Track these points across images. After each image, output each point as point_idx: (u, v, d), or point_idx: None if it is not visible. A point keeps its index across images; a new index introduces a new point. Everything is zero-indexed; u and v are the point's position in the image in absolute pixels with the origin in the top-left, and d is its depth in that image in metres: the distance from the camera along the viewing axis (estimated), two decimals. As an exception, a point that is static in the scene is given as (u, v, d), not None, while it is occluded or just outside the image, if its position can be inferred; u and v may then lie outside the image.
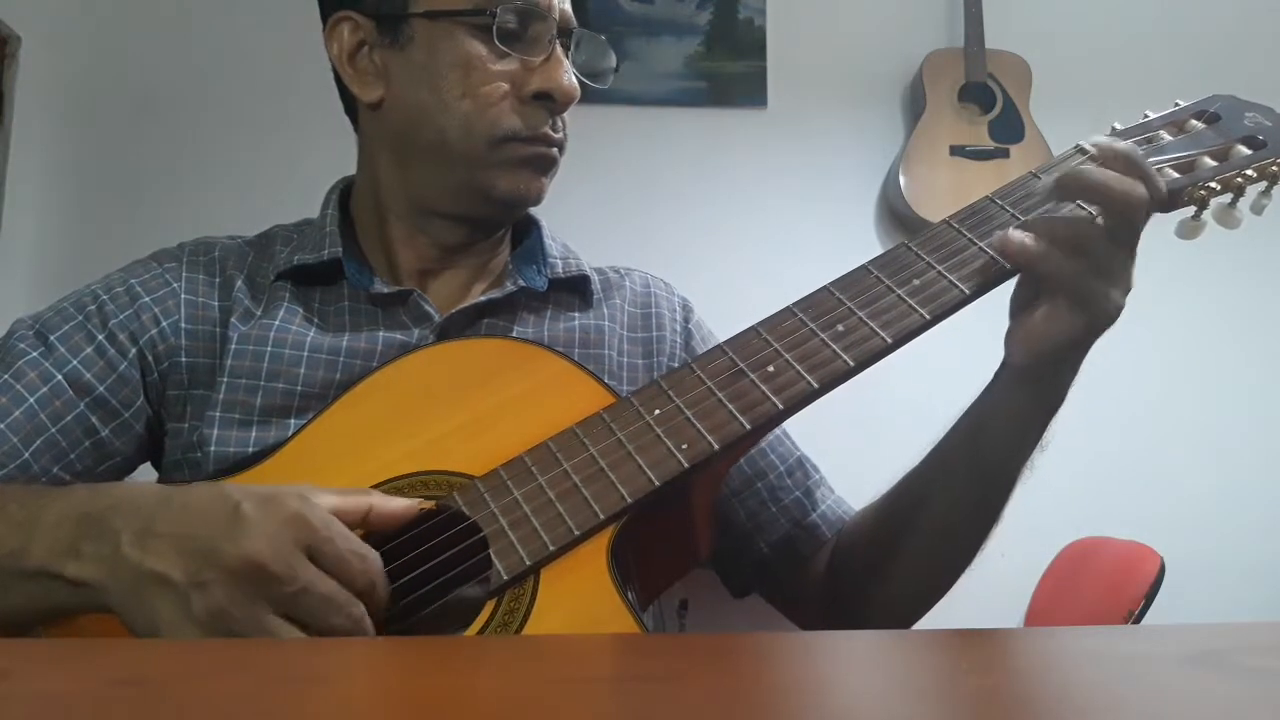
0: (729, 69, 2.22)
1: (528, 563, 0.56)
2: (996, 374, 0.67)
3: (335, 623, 0.50)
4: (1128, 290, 0.61)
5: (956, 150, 2.11)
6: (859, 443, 1.80)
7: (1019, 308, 0.64)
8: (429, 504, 0.59)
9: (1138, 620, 1.47)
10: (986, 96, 2.15)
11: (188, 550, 0.50)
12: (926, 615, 0.77)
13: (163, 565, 0.50)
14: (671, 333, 0.86)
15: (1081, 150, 0.68)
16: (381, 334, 0.76)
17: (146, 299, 0.76)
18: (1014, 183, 0.67)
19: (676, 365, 0.83)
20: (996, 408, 0.67)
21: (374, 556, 0.53)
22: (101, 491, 0.57)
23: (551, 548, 0.56)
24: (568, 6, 0.78)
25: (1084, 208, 0.62)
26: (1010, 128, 2.13)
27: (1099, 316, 0.60)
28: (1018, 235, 0.61)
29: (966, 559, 0.73)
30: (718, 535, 0.70)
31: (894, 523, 0.75)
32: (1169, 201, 0.67)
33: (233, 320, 0.76)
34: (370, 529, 0.56)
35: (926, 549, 0.73)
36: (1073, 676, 0.34)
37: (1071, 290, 0.59)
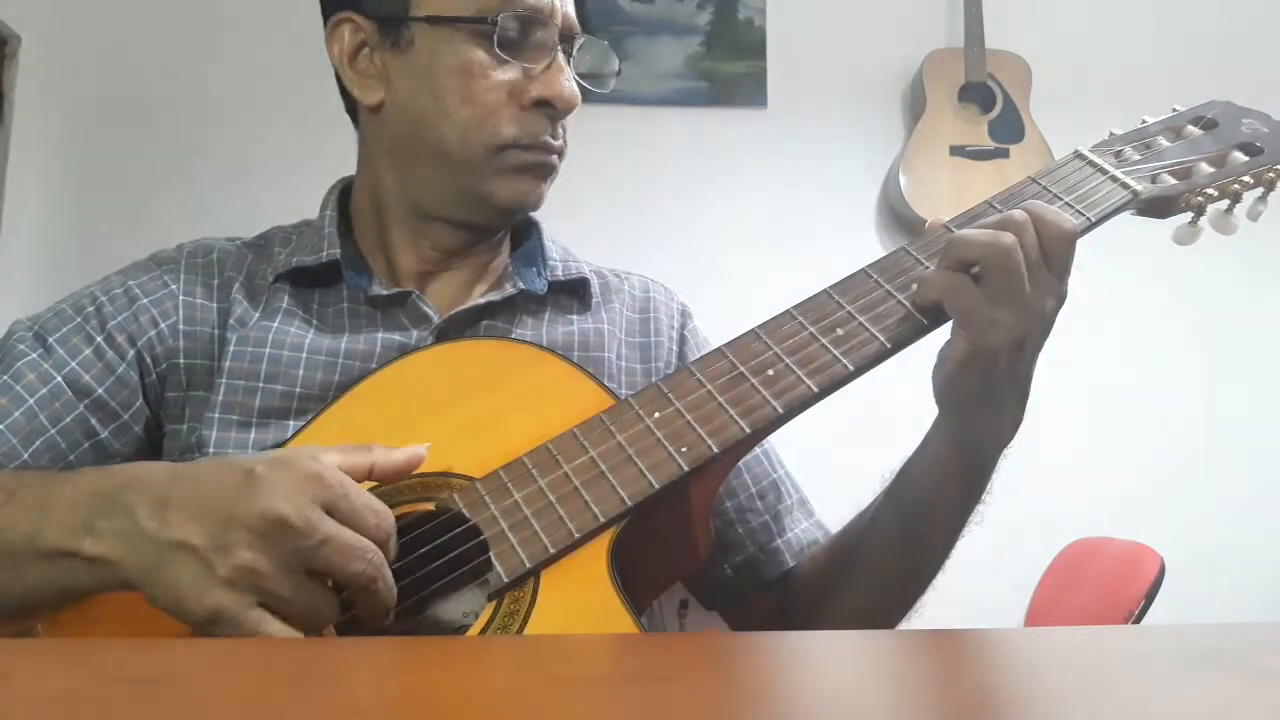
0: (729, 69, 2.22)
1: (528, 565, 0.56)
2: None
3: (357, 569, 0.51)
4: (1024, 316, 0.59)
5: (956, 150, 2.11)
6: (863, 442, 1.80)
7: None
8: (427, 452, 0.59)
9: (1138, 620, 1.47)
10: (986, 96, 2.15)
11: (207, 516, 0.50)
12: (927, 615, 0.77)
13: (183, 533, 0.50)
14: (668, 338, 0.86)
15: (1079, 156, 0.69)
16: (380, 335, 0.76)
17: (145, 301, 0.76)
18: (1013, 188, 0.67)
19: (672, 370, 0.83)
20: (921, 453, 0.68)
21: (387, 511, 0.53)
22: (112, 471, 0.57)
23: (552, 550, 0.56)
24: (570, 11, 0.78)
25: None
26: (1010, 128, 2.12)
27: (979, 342, 0.59)
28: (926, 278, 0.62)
29: (899, 607, 0.74)
30: (714, 537, 0.71)
31: (835, 560, 0.77)
32: (1166, 208, 0.68)
33: (231, 322, 0.76)
34: (377, 480, 0.57)
35: (860, 589, 0.74)
36: (1073, 676, 0.34)
37: (952, 306, 0.60)
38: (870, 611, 0.75)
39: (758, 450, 0.83)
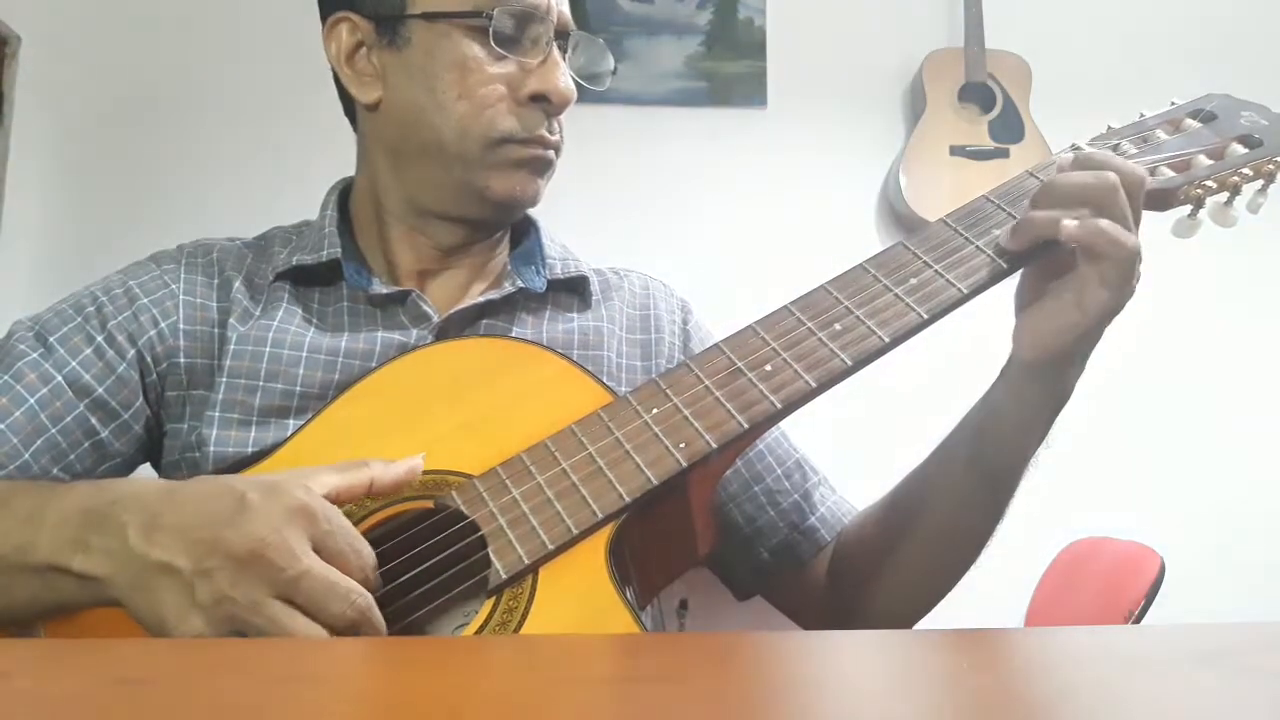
0: (729, 69, 2.22)
1: (526, 561, 0.56)
2: (1003, 372, 0.67)
3: (338, 610, 0.50)
4: (1138, 276, 0.60)
5: (956, 150, 2.11)
6: (861, 440, 1.80)
7: (1027, 303, 0.64)
8: (423, 462, 0.59)
9: (1138, 620, 1.47)
10: (986, 96, 2.15)
11: (193, 540, 0.50)
12: (927, 614, 0.77)
13: (168, 555, 0.50)
14: (670, 334, 0.86)
15: (1077, 149, 0.68)
16: (380, 334, 0.76)
17: (145, 300, 0.76)
18: (1009, 182, 0.67)
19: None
20: (1003, 406, 0.67)
21: (370, 552, 0.53)
22: (106, 486, 0.57)
23: (550, 546, 0.56)
24: (565, 9, 0.78)
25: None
26: (1010, 128, 2.12)
27: (1124, 289, 0.59)
28: (1042, 214, 0.60)
29: (968, 560, 0.73)
30: (716, 534, 0.70)
31: (895, 524, 0.75)
32: (1165, 201, 0.67)
33: (231, 321, 0.76)
34: (377, 496, 0.56)
35: (928, 550, 0.73)
36: (1073, 676, 0.34)
37: (1111, 253, 0.58)
38: (934, 568, 0.74)
39: (776, 432, 0.83)
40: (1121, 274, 0.58)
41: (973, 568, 0.74)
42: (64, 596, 0.54)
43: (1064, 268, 0.61)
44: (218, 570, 0.49)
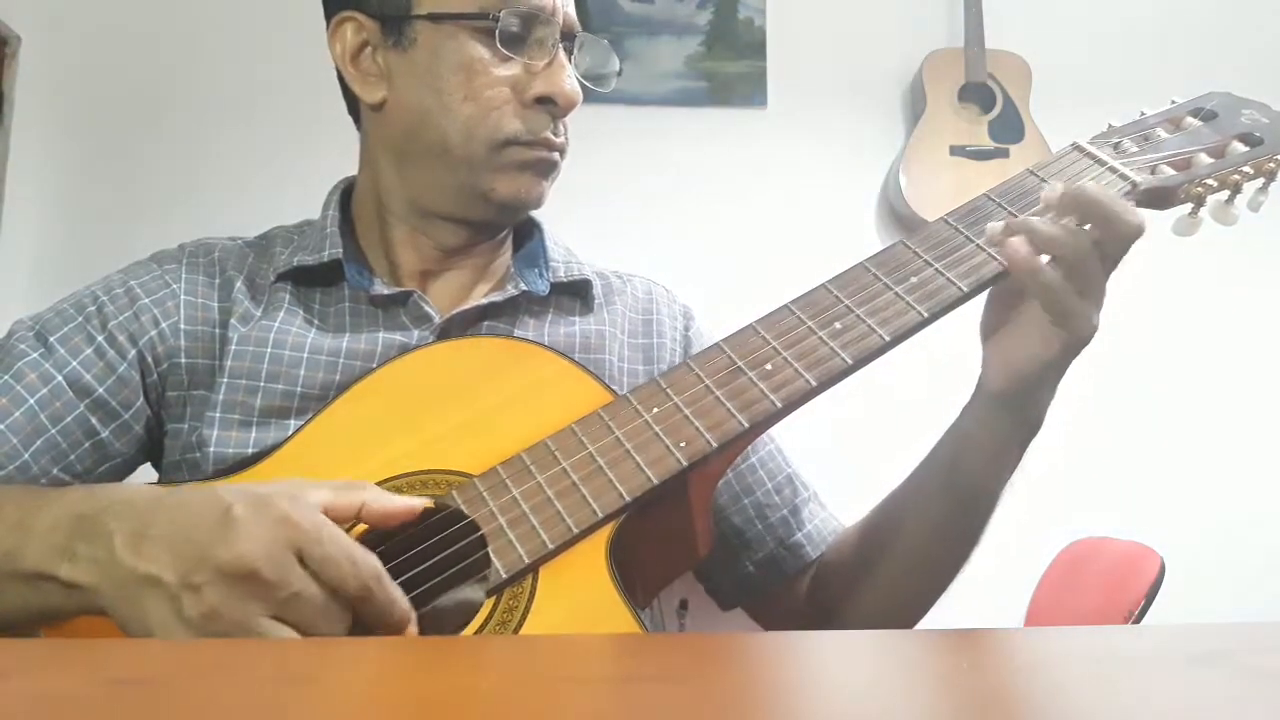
0: (729, 69, 2.22)
1: (526, 561, 0.56)
2: (972, 399, 0.67)
3: (327, 627, 0.50)
4: (1100, 310, 0.62)
5: (956, 150, 2.11)
6: (861, 439, 1.80)
7: (992, 330, 0.64)
8: (429, 503, 0.59)
9: (1138, 620, 1.47)
10: (986, 96, 2.15)
11: (180, 552, 0.49)
12: (927, 615, 0.77)
13: (155, 567, 0.49)
14: (672, 340, 0.86)
15: (1077, 148, 0.68)
16: (381, 335, 0.76)
17: (146, 300, 0.76)
18: (1010, 181, 0.67)
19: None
20: (974, 434, 0.67)
21: (366, 558, 0.51)
22: (97, 493, 0.57)
23: (550, 546, 0.56)
24: (571, 10, 0.78)
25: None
26: (1010, 128, 2.12)
27: (1076, 336, 0.61)
28: (1016, 240, 0.61)
29: (942, 584, 0.74)
30: (715, 534, 0.70)
31: (870, 547, 0.76)
32: (1165, 199, 0.67)
33: (232, 321, 0.76)
34: (364, 524, 0.56)
35: (902, 574, 0.74)
36: (1073, 676, 0.34)
37: (1059, 307, 0.60)
38: (909, 592, 0.74)
39: (770, 445, 0.83)
40: (1078, 312, 0.60)
41: (944, 594, 0.74)
42: (52, 604, 0.54)
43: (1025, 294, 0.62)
44: (206, 586, 0.48)
